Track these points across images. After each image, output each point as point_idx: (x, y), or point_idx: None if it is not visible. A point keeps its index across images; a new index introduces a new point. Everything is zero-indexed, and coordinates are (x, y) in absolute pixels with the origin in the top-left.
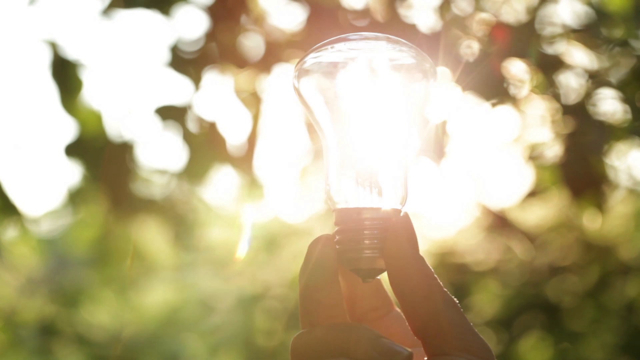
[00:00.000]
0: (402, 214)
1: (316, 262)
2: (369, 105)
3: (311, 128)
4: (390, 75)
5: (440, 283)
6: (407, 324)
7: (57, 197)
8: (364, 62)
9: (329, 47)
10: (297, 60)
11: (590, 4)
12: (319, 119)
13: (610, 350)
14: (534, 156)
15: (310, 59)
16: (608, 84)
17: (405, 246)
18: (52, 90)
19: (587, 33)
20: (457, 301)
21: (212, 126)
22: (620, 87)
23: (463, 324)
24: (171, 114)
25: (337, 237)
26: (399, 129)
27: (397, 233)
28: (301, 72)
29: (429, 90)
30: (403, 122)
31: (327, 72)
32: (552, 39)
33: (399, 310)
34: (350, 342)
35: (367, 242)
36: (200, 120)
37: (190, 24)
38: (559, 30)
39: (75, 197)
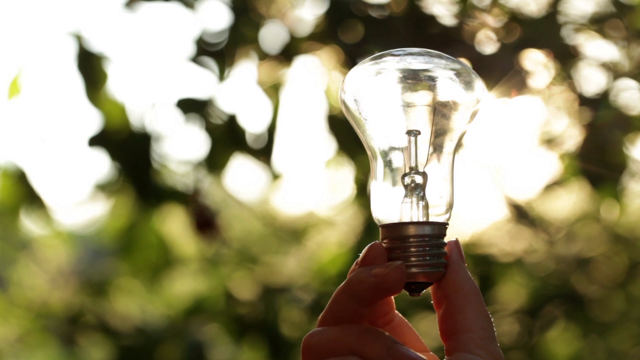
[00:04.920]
0: (453, 239)
1: (381, 279)
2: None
3: (332, 121)
4: (436, 87)
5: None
6: (413, 330)
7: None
8: (409, 74)
9: (378, 59)
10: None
11: None
12: (367, 131)
13: (638, 340)
14: (553, 147)
15: (357, 71)
16: (628, 75)
17: (461, 263)
18: (77, 82)
19: (607, 24)
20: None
21: (232, 118)
22: None
23: (492, 332)
24: (192, 106)
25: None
26: (446, 140)
27: (454, 253)
28: (347, 84)
29: (477, 102)
30: (450, 133)
31: (373, 83)
32: (571, 30)
33: (401, 315)
34: (365, 345)
35: (413, 259)
36: (221, 112)
37: (213, 16)
38: (579, 20)
39: (103, 189)
